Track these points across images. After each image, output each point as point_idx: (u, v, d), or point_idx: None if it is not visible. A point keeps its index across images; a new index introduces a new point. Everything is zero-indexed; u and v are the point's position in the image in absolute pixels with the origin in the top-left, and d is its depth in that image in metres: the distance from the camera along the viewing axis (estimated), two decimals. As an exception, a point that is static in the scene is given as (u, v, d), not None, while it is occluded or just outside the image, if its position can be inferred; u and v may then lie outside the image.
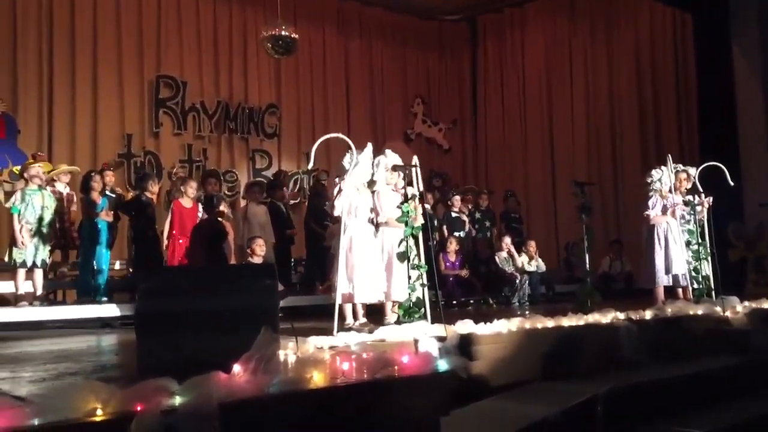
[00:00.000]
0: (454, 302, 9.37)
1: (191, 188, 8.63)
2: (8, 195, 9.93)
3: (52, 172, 8.85)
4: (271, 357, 2.95)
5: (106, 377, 3.08)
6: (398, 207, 5.64)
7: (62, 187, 8.82)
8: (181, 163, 12.18)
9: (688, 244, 7.62)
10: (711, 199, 7.78)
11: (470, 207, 11.21)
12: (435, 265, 5.87)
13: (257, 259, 8.15)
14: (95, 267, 8.37)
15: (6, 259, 7.92)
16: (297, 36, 11.41)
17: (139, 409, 2.38)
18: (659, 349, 5.75)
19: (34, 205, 7.91)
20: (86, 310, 7.82)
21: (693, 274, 7.56)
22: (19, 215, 7.80)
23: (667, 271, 7.63)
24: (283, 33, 11.12)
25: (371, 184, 5.91)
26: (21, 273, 7.84)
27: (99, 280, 8.34)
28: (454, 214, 10.77)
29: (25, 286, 7.88)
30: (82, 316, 7.70)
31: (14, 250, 7.78)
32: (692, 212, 7.68)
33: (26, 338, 6.42)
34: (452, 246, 9.98)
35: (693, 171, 7.93)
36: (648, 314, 6.29)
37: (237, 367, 2.81)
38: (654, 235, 7.71)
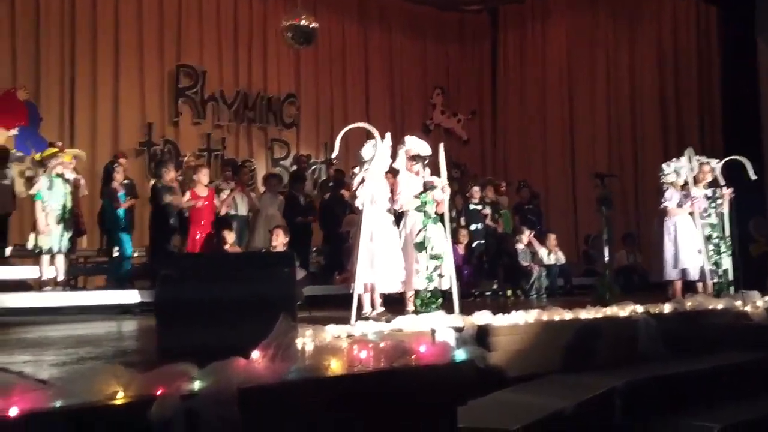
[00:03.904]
0: (476, 293, 9.36)
1: (204, 176, 8.69)
2: (29, 182, 10.04)
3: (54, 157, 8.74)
4: (289, 344, 2.96)
5: (127, 362, 3.11)
6: (416, 197, 5.63)
7: (68, 173, 8.81)
8: (200, 151, 12.24)
9: (709, 238, 7.55)
10: (732, 191, 7.70)
11: (489, 199, 11.12)
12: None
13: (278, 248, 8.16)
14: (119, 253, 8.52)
15: (30, 245, 8.01)
16: (317, 26, 11.39)
17: (159, 393, 2.40)
18: (678, 343, 5.71)
19: (59, 191, 7.99)
20: (107, 296, 7.93)
21: (713, 268, 7.48)
22: (42, 202, 7.88)
23: (676, 264, 7.57)
24: (302, 23, 11.11)
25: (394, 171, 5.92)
26: (45, 259, 7.94)
27: (124, 266, 8.48)
28: (472, 206, 10.71)
29: (47, 272, 7.98)
30: (103, 302, 7.79)
31: (39, 236, 7.87)
32: (713, 205, 7.60)
33: (47, 323, 6.50)
34: (463, 238, 9.93)
35: (715, 163, 7.85)
36: (667, 308, 6.24)
37: (256, 354, 2.83)
38: (663, 229, 7.66)
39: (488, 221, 10.78)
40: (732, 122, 11.56)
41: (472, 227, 10.40)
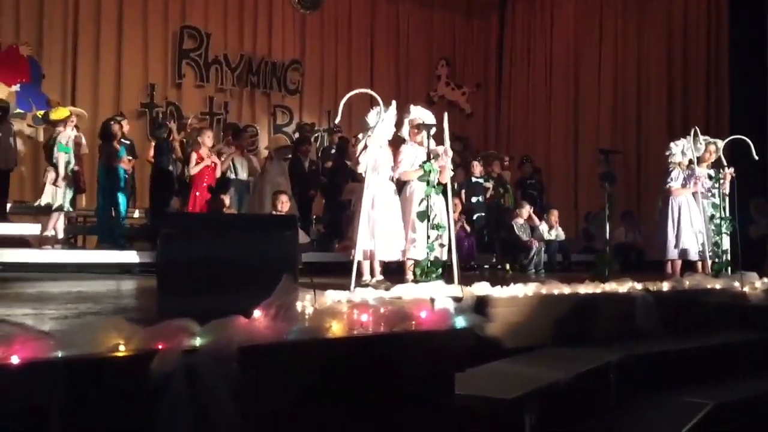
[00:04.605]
0: (475, 265, 9.38)
1: (208, 138, 8.66)
2: (29, 138, 10.03)
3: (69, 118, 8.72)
4: (290, 305, 2.97)
5: (127, 318, 3.11)
6: (420, 166, 5.60)
7: (70, 131, 8.72)
8: (203, 115, 12.18)
9: (711, 218, 7.56)
10: (733, 170, 7.69)
11: (495, 173, 11.09)
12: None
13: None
14: (113, 213, 8.48)
15: (44, 201, 8.01)
16: (324, -9, 11.29)
17: (160, 347, 2.40)
18: (675, 321, 5.73)
19: (71, 150, 8.03)
20: (107, 256, 7.94)
21: (714, 248, 7.50)
22: (65, 154, 7.89)
23: (677, 244, 7.60)
24: (310, -13, 11.01)
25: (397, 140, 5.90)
26: (54, 216, 7.96)
27: (118, 226, 8.46)
28: (473, 179, 10.69)
29: (52, 229, 7.99)
30: (103, 261, 7.80)
31: (58, 192, 7.87)
32: (716, 185, 7.60)
33: (46, 279, 6.51)
34: (456, 208, 9.89)
35: (720, 143, 7.83)
36: (665, 286, 6.24)
37: (257, 313, 2.83)
38: (668, 208, 7.67)
39: (489, 195, 10.76)
40: (739, 103, 11.49)
41: (473, 199, 10.39)
